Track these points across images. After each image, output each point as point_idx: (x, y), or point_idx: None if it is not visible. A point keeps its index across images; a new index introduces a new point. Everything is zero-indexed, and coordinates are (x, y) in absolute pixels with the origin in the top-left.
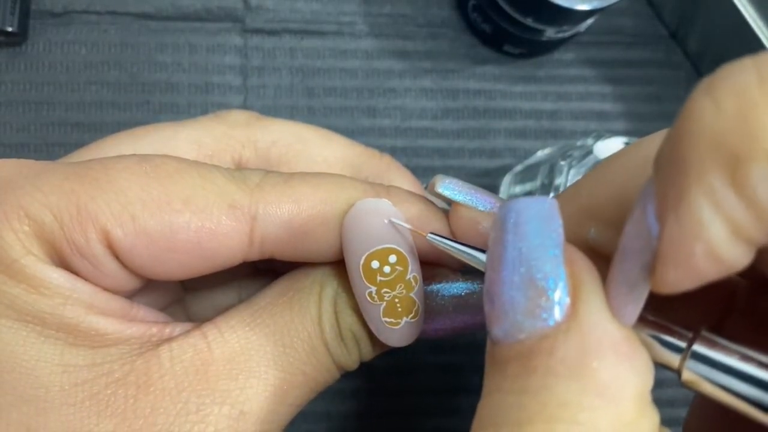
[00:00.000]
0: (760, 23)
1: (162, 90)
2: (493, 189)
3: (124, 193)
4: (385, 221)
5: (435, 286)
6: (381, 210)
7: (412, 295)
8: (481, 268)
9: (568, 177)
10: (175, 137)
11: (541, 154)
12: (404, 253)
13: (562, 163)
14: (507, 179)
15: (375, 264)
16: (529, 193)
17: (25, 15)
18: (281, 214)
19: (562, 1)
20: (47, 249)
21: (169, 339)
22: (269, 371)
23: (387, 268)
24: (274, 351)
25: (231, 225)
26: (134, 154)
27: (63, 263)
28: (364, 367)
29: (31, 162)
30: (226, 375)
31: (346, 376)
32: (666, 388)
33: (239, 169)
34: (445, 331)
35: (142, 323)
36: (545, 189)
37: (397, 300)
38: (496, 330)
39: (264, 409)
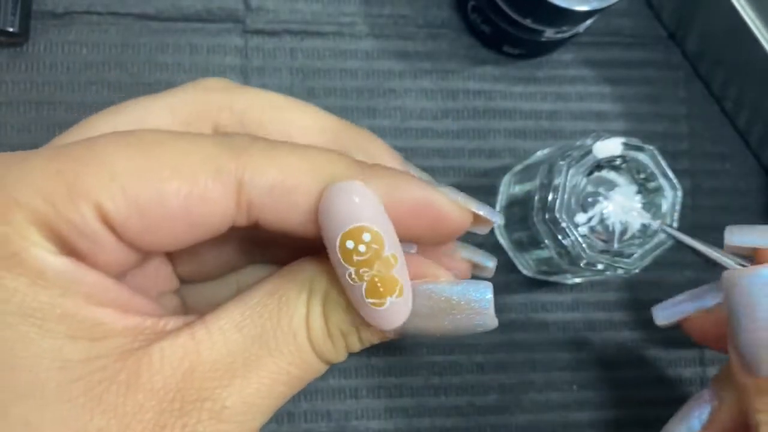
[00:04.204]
0: (759, 24)
1: (163, 90)
2: (493, 189)
3: (112, 166)
4: (356, 199)
5: (427, 287)
6: (350, 188)
7: (392, 272)
8: (714, 259)
9: (567, 177)
10: (150, 107)
11: (540, 154)
12: (377, 230)
13: (561, 163)
14: (506, 179)
15: (350, 244)
16: (528, 193)
17: (26, 15)
18: (266, 180)
19: (561, 1)
20: (45, 233)
21: (161, 338)
22: (254, 372)
23: (362, 247)
24: (260, 353)
25: (218, 189)
26: (116, 131)
27: (63, 244)
28: (364, 367)
29: (13, 153)
30: (212, 376)
31: (346, 375)
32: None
33: (227, 134)
34: (439, 331)
35: (138, 315)
36: (544, 189)
37: (377, 279)
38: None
39: (247, 404)
